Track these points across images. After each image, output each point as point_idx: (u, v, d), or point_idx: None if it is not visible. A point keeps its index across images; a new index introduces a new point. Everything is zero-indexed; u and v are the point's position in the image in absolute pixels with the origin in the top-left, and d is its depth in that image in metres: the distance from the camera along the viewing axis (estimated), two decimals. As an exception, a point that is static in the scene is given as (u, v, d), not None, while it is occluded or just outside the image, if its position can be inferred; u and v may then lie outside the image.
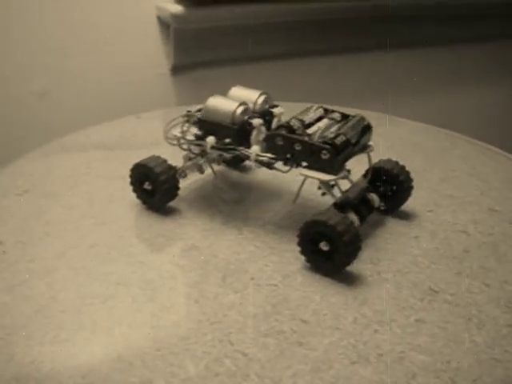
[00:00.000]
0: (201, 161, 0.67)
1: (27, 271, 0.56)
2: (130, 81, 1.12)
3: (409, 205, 0.66)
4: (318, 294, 0.53)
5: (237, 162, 0.74)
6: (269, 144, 0.59)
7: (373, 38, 1.33)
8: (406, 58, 1.39)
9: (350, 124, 0.60)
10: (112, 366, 0.45)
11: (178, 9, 1.07)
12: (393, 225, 0.64)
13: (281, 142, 0.58)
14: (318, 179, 0.58)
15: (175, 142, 0.64)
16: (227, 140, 0.60)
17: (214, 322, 0.49)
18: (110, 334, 0.48)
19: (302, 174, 0.58)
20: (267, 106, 0.65)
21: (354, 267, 0.56)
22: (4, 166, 0.78)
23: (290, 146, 0.58)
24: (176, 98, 1.19)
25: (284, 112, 0.65)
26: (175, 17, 1.08)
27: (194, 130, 0.64)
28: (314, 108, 0.63)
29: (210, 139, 0.61)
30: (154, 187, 0.64)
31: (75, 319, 0.49)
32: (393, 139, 0.88)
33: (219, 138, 0.61)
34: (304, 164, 0.58)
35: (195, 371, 0.44)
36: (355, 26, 1.30)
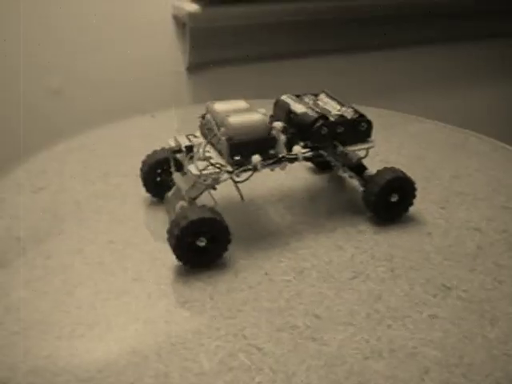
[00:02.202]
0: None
1: (44, 267, 0.56)
2: (145, 79, 1.12)
3: (421, 202, 0.67)
4: (332, 290, 0.53)
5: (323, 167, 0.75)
6: (314, 137, 0.61)
7: (384, 36, 1.33)
8: (420, 56, 1.39)
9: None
10: (127, 360, 0.45)
11: (193, 8, 1.08)
12: (406, 221, 0.64)
13: (325, 131, 0.61)
14: (366, 149, 0.64)
15: (209, 182, 0.57)
16: (272, 151, 0.58)
17: (227, 317, 0.50)
18: (125, 328, 0.48)
19: (347, 151, 0.63)
20: None
21: (368, 263, 0.57)
22: (19, 164, 0.78)
23: (334, 131, 0.61)
24: (191, 97, 1.19)
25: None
26: (191, 16, 1.08)
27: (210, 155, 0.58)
28: (302, 96, 0.67)
29: (256, 158, 0.57)
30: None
31: (91, 314, 0.50)
32: (405, 136, 0.88)
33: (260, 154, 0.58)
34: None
35: (209, 366, 0.44)
36: (368, 24, 1.30)
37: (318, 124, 0.61)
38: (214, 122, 0.58)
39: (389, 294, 0.53)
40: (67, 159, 0.80)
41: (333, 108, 0.65)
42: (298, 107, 0.63)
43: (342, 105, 0.65)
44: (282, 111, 0.63)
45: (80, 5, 1.05)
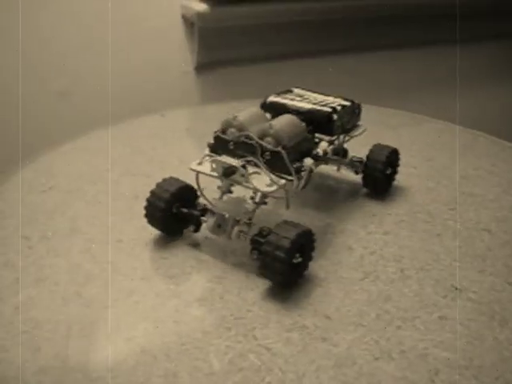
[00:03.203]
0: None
1: (52, 266, 0.56)
2: (154, 79, 1.12)
3: (431, 203, 0.67)
4: (341, 291, 0.53)
5: None
6: (332, 130, 0.62)
7: (393, 36, 1.33)
8: (429, 56, 1.38)
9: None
10: (136, 359, 0.45)
11: (202, 7, 1.08)
12: (415, 223, 0.64)
13: (340, 122, 0.63)
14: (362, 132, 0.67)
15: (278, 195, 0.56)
16: (314, 151, 0.58)
17: (237, 317, 0.49)
18: (134, 328, 0.48)
19: (354, 136, 0.66)
20: None
21: (378, 264, 0.56)
22: (27, 164, 0.78)
23: (342, 121, 0.63)
24: (200, 96, 1.19)
25: None
26: (200, 15, 1.08)
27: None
28: (289, 93, 0.67)
29: (309, 160, 0.57)
30: None
31: (100, 313, 0.50)
32: (415, 137, 0.88)
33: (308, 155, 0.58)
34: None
35: (219, 366, 0.44)
36: (376, 24, 1.29)
37: (334, 117, 0.61)
38: (253, 135, 0.55)
39: (398, 294, 0.53)
40: (75, 159, 0.80)
41: (323, 100, 0.65)
42: (300, 105, 0.63)
43: (326, 95, 0.66)
44: (283, 111, 0.62)
45: (88, 5, 1.05)
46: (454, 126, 0.93)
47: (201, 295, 0.52)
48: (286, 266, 0.50)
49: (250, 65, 1.19)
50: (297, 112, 0.61)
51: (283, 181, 0.54)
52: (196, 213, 0.58)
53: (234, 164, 0.54)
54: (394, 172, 0.70)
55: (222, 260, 0.57)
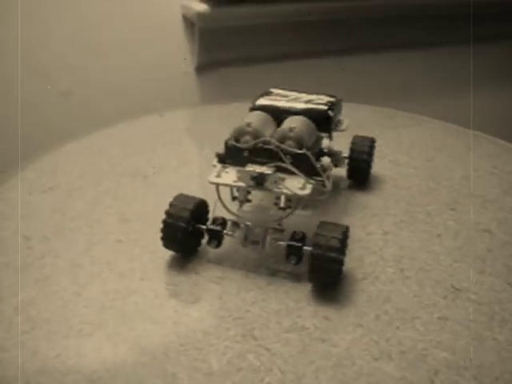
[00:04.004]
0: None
1: (52, 266, 0.56)
2: (154, 79, 1.12)
3: (431, 203, 0.67)
4: (341, 291, 0.53)
5: None
6: (331, 128, 0.63)
7: (396, 37, 1.33)
8: (431, 57, 1.38)
9: None
10: (135, 360, 0.45)
11: (203, 8, 1.08)
12: (415, 223, 0.64)
13: (335, 119, 0.64)
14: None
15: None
16: (325, 150, 0.58)
17: (237, 317, 0.49)
18: (133, 328, 0.48)
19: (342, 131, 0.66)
20: None
21: (377, 265, 0.56)
22: (28, 164, 0.78)
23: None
24: (200, 97, 1.19)
25: None
26: (200, 16, 1.08)
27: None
28: (271, 94, 0.66)
29: (326, 159, 0.56)
30: None
31: (99, 314, 0.50)
32: (415, 137, 0.88)
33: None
34: None
35: (218, 366, 0.44)
36: (378, 24, 1.29)
37: (331, 114, 0.61)
38: (274, 140, 0.54)
39: (398, 295, 0.52)
40: (76, 159, 0.80)
41: (310, 98, 0.65)
42: (293, 105, 0.62)
43: (308, 93, 0.66)
44: (277, 113, 0.61)
45: (89, 6, 1.05)
46: (456, 127, 0.93)
47: (200, 295, 0.52)
48: (338, 266, 0.51)
49: (250, 65, 1.19)
50: (293, 112, 0.61)
51: (312, 182, 0.53)
52: (217, 228, 0.55)
53: (266, 171, 0.52)
54: (372, 160, 0.72)
55: (222, 262, 0.57)
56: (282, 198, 0.54)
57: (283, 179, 0.52)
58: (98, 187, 0.71)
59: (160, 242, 0.56)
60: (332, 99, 0.65)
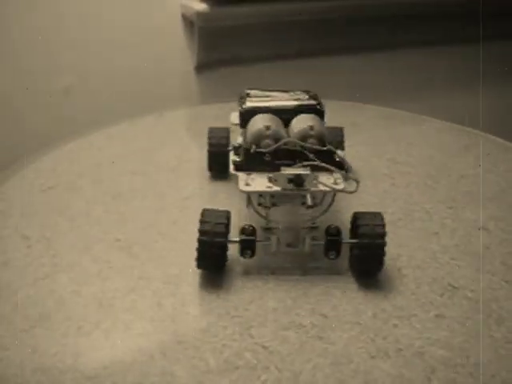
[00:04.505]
0: None
1: (51, 265, 0.56)
2: (153, 78, 1.12)
3: (429, 201, 0.67)
4: (339, 289, 0.53)
5: None
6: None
7: (394, 35, 1.33)
8: (430, 55, 1.38)
9: None
10: (133, 358, 0.45)
11: (202, 7, 1.07)
12: (413, 221, 0.64)
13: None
14: None
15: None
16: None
17: (234, 315, 0.50)
18: (131, 327, 0.49)
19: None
20: None
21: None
22: (28, 163, 0.79)
23: None
24: (200, 96, 1.19)
25: None
26: (200, 15, 1.08)
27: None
28: (250, 96, 0.64)
29: (341, 152, 0.58)
30: None
31: (98, 312, 0.50)
32: (413, 136, 0.88)
33: None
34: None
35: (216, 364, 0.44)
36: (377, 23, 1.29)
37: (322, 107, 0.61)
38: (297, 141, 0.54)
39: (395, 293, 0.53)
40: (76, 158, 0.80)
41: (292, 95, 0.64)
42: (281, 104, 0.61)
43: (284, 91, 0.65)
44: (278, 114, 0.60)
45: (89, 5, 1.05)
46: (454, 126, 0.93)
47: (198, 294, 0.53)
48: (384, 252, 0.52)
49: (249, 64, 1.19)
50: (285, 111, 0.60)
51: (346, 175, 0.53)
52: (250, 237, 0.54)
53: (304, 172, 0.51)
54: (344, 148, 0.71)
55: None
56: (309, 197, 0.55)
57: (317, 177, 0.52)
58: (97, 186, 0.71)
59: (160, 243, 0.57)
60: (310, 94, 0.64)
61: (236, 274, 0.55)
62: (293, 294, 0.52)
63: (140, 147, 0.83)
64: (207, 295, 0.52)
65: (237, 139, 0.62)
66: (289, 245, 0.54)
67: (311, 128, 0.55)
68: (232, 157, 0.59)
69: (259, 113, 0.59)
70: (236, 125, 0.63)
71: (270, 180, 0.52)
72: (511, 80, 1.53)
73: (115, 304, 0.51)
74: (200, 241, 0.52)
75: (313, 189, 0.51)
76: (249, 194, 0.54)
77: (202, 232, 0.52)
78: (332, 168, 0.53)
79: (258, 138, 0.55)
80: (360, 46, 1.33)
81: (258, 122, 0.56)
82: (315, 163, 0.53)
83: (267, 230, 0.55)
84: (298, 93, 0.64)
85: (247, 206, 0.56)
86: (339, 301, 0.52)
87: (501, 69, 1.49)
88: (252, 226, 0.54)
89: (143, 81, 1.11)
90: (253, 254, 0.54)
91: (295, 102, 0.61)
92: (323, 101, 0.62)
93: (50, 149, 0.83)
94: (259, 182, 0.53)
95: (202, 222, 0.53)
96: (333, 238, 0.53)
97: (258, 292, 0.52)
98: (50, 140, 0.86)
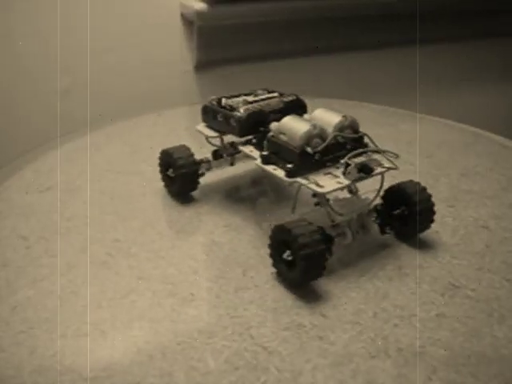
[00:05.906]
0: None
1: (50, 266, 0.56)
2: (153, 78, 1.12)
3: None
4: (339, 289, 0.53)
5: None
6: None
7: (398, 34, 1.33)
8: (429, 54, 1.38)
9: None
10: (132, 359, 0.45)
11: (201, 6, 1.07)
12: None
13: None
14: None
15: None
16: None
17: (234, 316, 0.49)
18: (130, 327, 0.48)
19: None
20: None
21: (375, 262, 0.56)
22: (26, 163, 0.78)
23: None
24: (199, 95, 1.19)
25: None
26: (199, 14, 1.08)
27: None
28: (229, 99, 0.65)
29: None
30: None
31: (96, 313, 0.50)
32: (414, 134, 0.87)
33: None
34: None
35: (215, 365, 0.44)
36: (380, 21, 1.29)
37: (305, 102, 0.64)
38: (344, 134, 0.55)
39: (396, 292, 0.52)
40: (74, 158, 0.80)
41: (269, 95, 0.66)
42: (270, 104, 0.62)
43: (256, 94, 0.66)
44: (264, 117, 0.61)
45: (88, 5, 1.05)
46: (454, 124, 0.93)
47: (197, 294, 0.52)
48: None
49: (248, 63, 1.19)
50: (277, 111, 0.61)
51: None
52: (332, 233, 0.54)
53: (369, 159, 0.54)
54: None
55: (219, 260, 0.57)
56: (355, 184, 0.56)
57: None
58: (95, 186, 0.71)
59: (158, 244, 0.57)
60: (281, 92, 0.66)
61: (236, 274, 0.55)
62: (292, 293, 0.52)
63: (139, 146, 0.83)
64: (207, 295, 0.52)
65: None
66: (357, 232, 0.56)
67: (346, 119, 0.56)
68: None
69: (252, 117, 0.60)
70: (215, 137, 0.66)
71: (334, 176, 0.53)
72: (507, 78, 1.53)
73: (114, 304, 0.51)
74: (305, 257, 0.50)
75: (377, 171, 0.54)
76: (324, 195, 0.54)
77: (303, 246, 0.50)
78: (383, 150, 0.55)
79: (308, 139, 0.54)
80: (361, 44, 1.33)
81: (300, 124, 0.55)
82: (370, 149, 0.55)
83: (335, 226, 0.55)
84: (271, 92, 0.66)
85: (292, 211, 0.56)
86: (339, 300, 0.51)
87: (501, 67, 1.49)
88: (321, 228, 0.53)
89: (142, 80, 1.11)
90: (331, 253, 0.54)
91: (280, 100, 0.63)
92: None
93: (48, 149, 0.83)
94: (328, 181, 0.53)
95: (299, 235, 0.50)
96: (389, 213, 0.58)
97: (257, 292, 0.52)
98: (48, 140, 0.86)
